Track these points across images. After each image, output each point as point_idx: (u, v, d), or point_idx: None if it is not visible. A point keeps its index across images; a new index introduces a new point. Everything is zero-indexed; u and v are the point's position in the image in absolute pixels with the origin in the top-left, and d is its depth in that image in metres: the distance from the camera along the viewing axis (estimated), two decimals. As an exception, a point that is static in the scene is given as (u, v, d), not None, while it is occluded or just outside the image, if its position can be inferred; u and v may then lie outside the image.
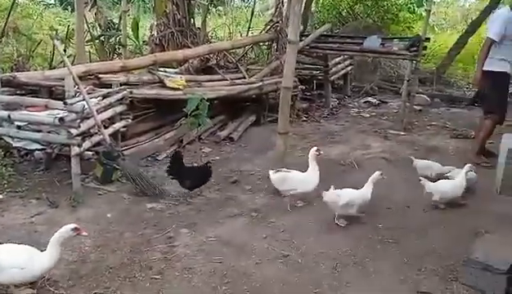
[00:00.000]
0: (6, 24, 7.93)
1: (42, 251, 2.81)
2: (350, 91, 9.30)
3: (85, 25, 7.09)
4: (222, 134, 6.13)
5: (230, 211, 4.14)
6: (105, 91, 4.83)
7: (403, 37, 8.58)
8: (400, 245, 3.58)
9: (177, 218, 3.96)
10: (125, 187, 4.46)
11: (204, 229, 3.75)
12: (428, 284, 3.08)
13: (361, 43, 7.55)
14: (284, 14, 7.55)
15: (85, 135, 4.37)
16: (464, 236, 3.61)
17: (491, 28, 5.23)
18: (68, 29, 8.19)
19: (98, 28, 8.28)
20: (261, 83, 6.68)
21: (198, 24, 7.91)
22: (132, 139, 5.37)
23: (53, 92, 4.94)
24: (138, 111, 5.56)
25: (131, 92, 5.09)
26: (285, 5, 7.54)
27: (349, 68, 9.15)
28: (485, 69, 5.24)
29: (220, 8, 13.34)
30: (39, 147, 4.59)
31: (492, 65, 5.19)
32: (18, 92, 4.81)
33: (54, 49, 7.23)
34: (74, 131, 4.12)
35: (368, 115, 7.83)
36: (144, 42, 8.58)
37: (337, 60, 8.65)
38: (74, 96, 4.21)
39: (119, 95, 4.88)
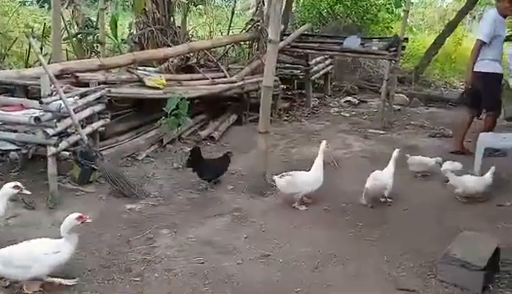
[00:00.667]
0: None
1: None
2: (331, 90, 9.35)
3: (62, 23, 6.95)
4: (202, 133, 6.08)
5: (211, 211, 4.11)
6: (82, 90, 4.74)
7: (382, 37, 8.68)
8: (380, 243, 3.61)
9: (157, 219, 3.91)
10: (104, 188, 4.39)
11: (184, 230, 3.72)
12: (407, 281, 3.11)
13: (342, 43, 7.61)
14: (265, 13, 7.55)
15: (62, 134, 4.28)
16: (442, 233, 3.66)
17: (481, 30, 5.34)
18: (44, 27, 8.02)
19: (75, 26, 8.12)
20: (242, 82, 6.67)
21: (178, 22, 7.84)
22: (112, 138, 5.29)
23: (29, 91, 4.83)
24: (117, 110, 5.48)
25: (109, 91, 5.01)
26: (266, 4, 7.54)
27: (330, 67, 9.20)
28: (478, 70, 5.33)
29: (200, 7, 13.23)
30: (14, 147, 4.46)
31: (485, 67, 5.30)
32: (-8, 91, 4.69)
33: (30, 47, 7.06)
34: (50, 131, 4.03)
35: (348, 114, 7.89)
36: (123, 40, 8.46)
37: (318, 59, 8.69)
38: (50, 95, 4.12)
39: (97, 94, 4.80)
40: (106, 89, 4.98)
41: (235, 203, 4.27)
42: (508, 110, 6.83)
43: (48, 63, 5.26)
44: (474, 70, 5.35)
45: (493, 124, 5.54)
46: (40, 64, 4.46)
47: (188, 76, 6.53)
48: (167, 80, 5.89)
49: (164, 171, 5.00)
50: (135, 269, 3.16)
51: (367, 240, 3.66)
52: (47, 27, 7.74)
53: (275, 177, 4.21)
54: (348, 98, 8.91)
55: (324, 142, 4.35)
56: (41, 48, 7.08)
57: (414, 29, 14.00)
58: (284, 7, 7.13)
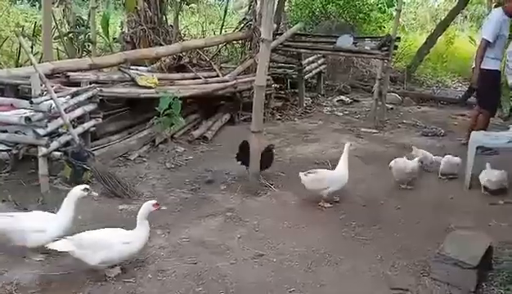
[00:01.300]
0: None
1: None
2: (323, 89, 9.36)
3: (53, 22, 6.88)
4: (195, 133, 6.05)
5: (204, 211, 4.09)
6: (73, 89, 4.69)
7: (375, 36, 8.70)
8: (373, 242, 3.62)
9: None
10: (95, 188, 4.33)
11: (177, 230, 3.70)
12: (400, 280, 3.12)
13: (334, 42, 7.61)
14: (257, 12, 7.53)
15: (53, 135, 4.24)
16: (435, 232, 3.67)
17: (487, 30, 5.50)
18: (35, 26, 7.95)
19: (67, 25, 8.06)
20: (235, 82, 6.65)
21: (170, 21, 7.80)
22: (103, 138, 5.24)
23: (19, 91, 4.77)
24: (109, 110, 5.44)
25: (101, 91, 4.97)
26: (259, 3, 7.52)
27: (322, 67, 9.21)
28: (481, 67, 5.51)
29: (193, 6, 13.19)
30: (5, 148, 4.41)
31: (486, 64, 5.48)
32: (-18, 91, 4.63)
33: (20, 46, 6.99)
34: (41, 131, 4.00)
35: (341, 114, 7.91)
36: (114, 39, 8.40)
37: (310, 59, 8.69)
38: (40, 95, 4.08)
39: (89, 94, 4.76)
40: (98, 88, 4.93)
41: (228, 203, 4.26)
42: (505, 109, 6.93)
43: (39, 62, 5.20)
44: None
45: (486, 123, 5.63)
46: (31, 64, 4.42)
47: (180, 75, 6.49)
48: (159, 79, 5.86)
49: (157, 171, 4.97)
50: (128, 269, 3.12)
51: (360, 239, 3.67)
52: (38, 26, 7.68)
53: (300, 174, 4.25)
54: (341, 97, 8.93)
55: (348, 143, 4.51)
56: (32, 47, 7.01)
57: (406, 29, 14.05)
58: (276, 6, 7.13)
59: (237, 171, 4.93)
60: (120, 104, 5.78)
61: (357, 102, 8.82)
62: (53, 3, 7.53)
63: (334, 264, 3.30)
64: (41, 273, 3.06)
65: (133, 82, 5.61)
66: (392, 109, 8.07)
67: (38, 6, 12.16)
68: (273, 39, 5.88)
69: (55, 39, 7.29)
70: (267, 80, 5.32)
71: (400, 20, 9.20)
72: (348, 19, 11.57)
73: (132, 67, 5.98)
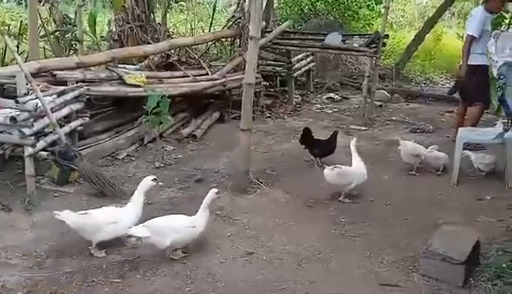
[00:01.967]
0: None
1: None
2: (313, 87, 9.36)
3: (39, 20, 6.79)
4: (184, 131, 6.02)
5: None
6: (60, 88, 4.64)
7: (363, 33, 8.73)
8: (363, 239, 3.63)
9: (141, 218, 3.84)
10: (83, 188, 4.32)
11: (166, 229, 3.67)
12: (390, 276, 3.13)
13: (323, 40, 7.62)
14: (246, 10, 7.51)
15: (39, 134, 4.19)
16: (424, 228, 3.69)
17: (471, 26, 5.66)
18: (21, 25, 7.85)
19: (53, 24, 7.96)
20: (224, 80, 6.62)
21: (158, 19, 7.74)
22: (91, 138, 5.19)
23: (5, 90, 4.70)
24: (96, 109, 5.38)
25: (88, 89, 4.92)
26: (247, 1, 7.50)
27: (312, 64, 9.21)
28: (469, 63, 5.63)
29: (182, 3, 13.13)
30: (-10, 148, 4.36)
31: (473, 60, 5.62)
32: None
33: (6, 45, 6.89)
34: (26, 131, 3.94)
35: (330, 111, 7.92)
36: (102, 37, 8.33)
37: (299, 56, 8.69)
38: (26, 94, 4.02)
39: (76, 93, 4.71)
40: (85, 87, 4.88)
41: (218, 201, 4.21)
42: (494, 101, 6.98)
43: (25, 61, 5.14)
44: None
45: (479, 117, 5.76)
46: (16, 63, 4.36)
47: (169, 73, 6.44)
48: (147, 78, 5.80)
49: (145, 170, 4.93)
50: (116, 270, 3.10)
51: (350, 236, 3.68)
52: (24, 24, 7.58)
53: (325, 169, 4.27)
54: (330, 95, 8.93)
55: (354, 139, 4.56)
56: (17, 46, 6.92)
57: (394, 26, 14.14)
58: (265, 4, 7.11)
59: (227, 169, 4.91)
60: (108, 103, 5.73)
61: (346, 99, 8.83)
62: (39, 1, 7.44)
63: (324, 261, 3.31)
64: (27, 275, 3.02)
65: (121, 81, 5.54)
66: (381, 106, 8.10)
67: (24, 4, 12.02)
68: (262, 37, 5.87)
69: (41, 38, 7.21)
70: (257, 78, 5.31)
71: (388, 17, 9.25)
72: (337, 16, 11.60)
73: (119, 65, 5.92)
